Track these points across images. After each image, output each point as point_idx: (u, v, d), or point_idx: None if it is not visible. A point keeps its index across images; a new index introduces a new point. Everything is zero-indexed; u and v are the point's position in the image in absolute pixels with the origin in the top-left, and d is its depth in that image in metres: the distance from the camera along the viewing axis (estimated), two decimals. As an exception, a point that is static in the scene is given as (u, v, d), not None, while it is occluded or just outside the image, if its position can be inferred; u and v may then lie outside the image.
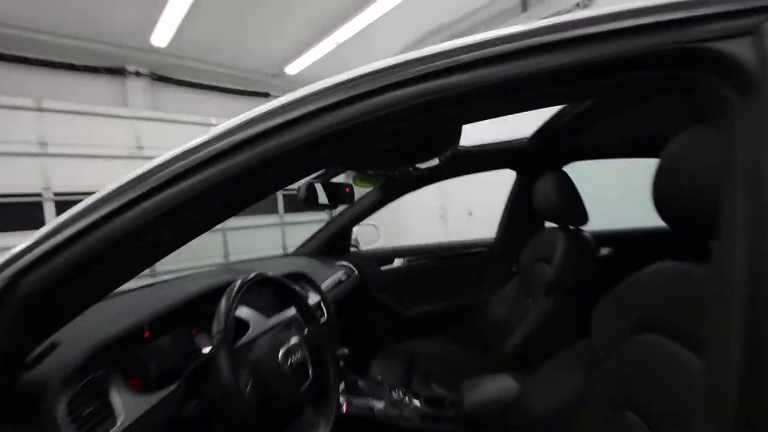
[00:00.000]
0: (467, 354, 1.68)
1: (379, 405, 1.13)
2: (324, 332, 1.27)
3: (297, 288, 0.96)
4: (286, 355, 0.77)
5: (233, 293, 0.74)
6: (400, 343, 1.73)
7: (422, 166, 1.24)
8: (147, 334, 0.81)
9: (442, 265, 1.99)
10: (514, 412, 0.95)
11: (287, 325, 1.00)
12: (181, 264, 3.84)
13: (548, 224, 1.58)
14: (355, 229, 1.98)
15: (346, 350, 1.18)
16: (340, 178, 1.41)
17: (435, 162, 1.23)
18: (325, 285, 1.54)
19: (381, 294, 1.94)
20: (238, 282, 0.78)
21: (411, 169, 1.29)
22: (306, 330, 0.96)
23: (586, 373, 0.81)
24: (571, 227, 1.40)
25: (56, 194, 4.01)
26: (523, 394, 0.93)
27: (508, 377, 1.12)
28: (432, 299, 1.98)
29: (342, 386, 1.21)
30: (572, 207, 1.34)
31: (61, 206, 4.10)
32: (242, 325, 0.99)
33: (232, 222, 4.76)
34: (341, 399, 1.16)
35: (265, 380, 0.71)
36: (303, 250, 1.89)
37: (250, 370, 0.71)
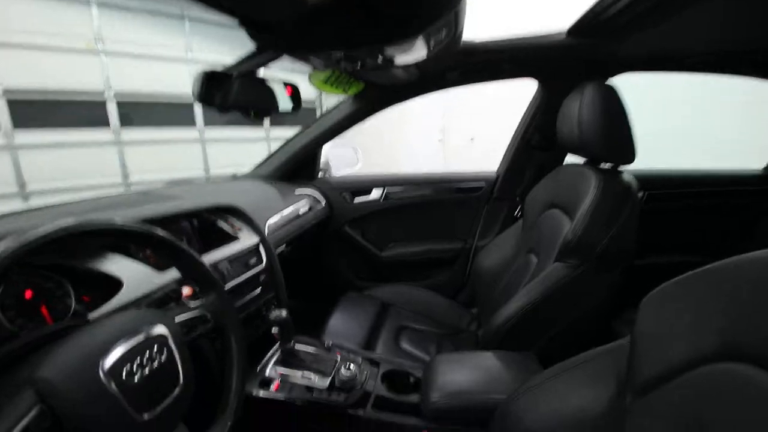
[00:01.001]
0: (450, 309, 1.42)
1: (321, 383, 0.87)
2: (255, 293, 0.97)
3: (179, 244, 0.60)
4: (127, 359, 0.45)
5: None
6: (371, 290, 1.46)
7: (403, 58, 0.81)
8: None
9: (428, 200, 1.64)
10: (501, 421, 0.67)
11: (162, 301, 0.67)
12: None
13: (571, 159, 1.20)
14: (326, 150, 1.59)
15: (283, 313, 0.89)
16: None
17: (422, 54, 0.80)
18: (278, 218, 1.20)
19: (352, 230, 1.62)
20: (33, 234, 0.42)
21: (388, 64, 0.86)
22: (200, 301, 0.63)
23: (614, 401, 0.51)
24: (606, 166, 1.02)
25: (118, 94, 4.03)
26: (512, 403, 0.65)
27: (493, 369, 0.84)
28: (413, 240, 1.67)
29: (277, 356, 0.93)
30: (617, 137, 0.94)
31: (123, 107, 4.07)
32: (111, 286, 0.66)
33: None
34: (275, 373, 0.89)
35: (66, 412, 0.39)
36: (258, 172, 1.52)
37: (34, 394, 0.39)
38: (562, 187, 1.11)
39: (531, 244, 1.17)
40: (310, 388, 0.86)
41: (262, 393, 0.84)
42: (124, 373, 0.44)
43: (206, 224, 0.99)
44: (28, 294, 0.61)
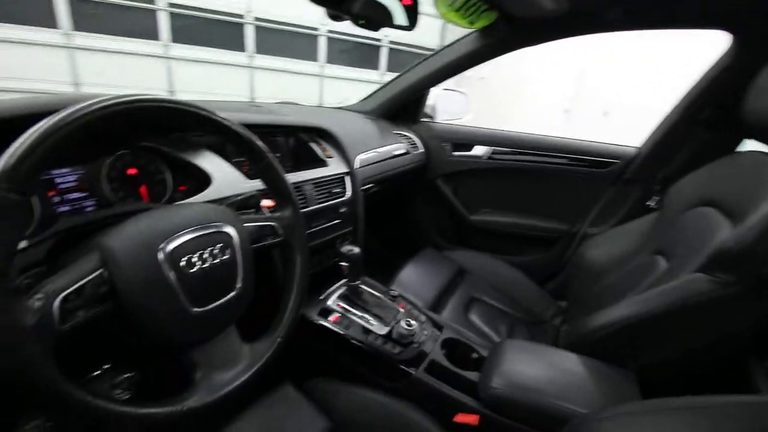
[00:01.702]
0: (533, 294, 1.26)
1: (379, 330, 0.83)
2: (333, 223, 0.93)
3: (259, 143, 0.56)
4: (189, 249, 0.44)
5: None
6: (450, 252, 1.36)
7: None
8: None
9: (539, 168, 1.41)
10: None
11: (241, 205, 0.66)
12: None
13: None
14: (435, 92, 1.45)
15: (355, 249, 0.85)
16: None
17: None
18: (371, 155, 1.15)
19: (445, 185, 1.50)
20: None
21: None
22: (274, 213, 0.61)
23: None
24: None
25: (257, 18, 4.34)
26: (596, 423, 0.52)
27: (575, 375, 0.70)
28: (510, 210, 1.49)
29: (341, 291, 0.91)
30: None
31: (260, 31, 4.37)
32: (202, 182, 0.67)
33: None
34: (335, 306, 0.88)
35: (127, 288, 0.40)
36: (361, 106, 1.46)
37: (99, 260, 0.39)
38: (729, 180, 0.83)
39: (661, 245, 0.93)
40: (367, 331, 0.83)
41: (319, 320, 0.84)
42: (183, 261, 0.43)
43: (299, 144, 0.98)
44: (133, 172, 0.66)
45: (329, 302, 0.88)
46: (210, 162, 0.71)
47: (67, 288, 0.36)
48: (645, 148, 1.30)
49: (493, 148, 1.42)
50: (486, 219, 1.49)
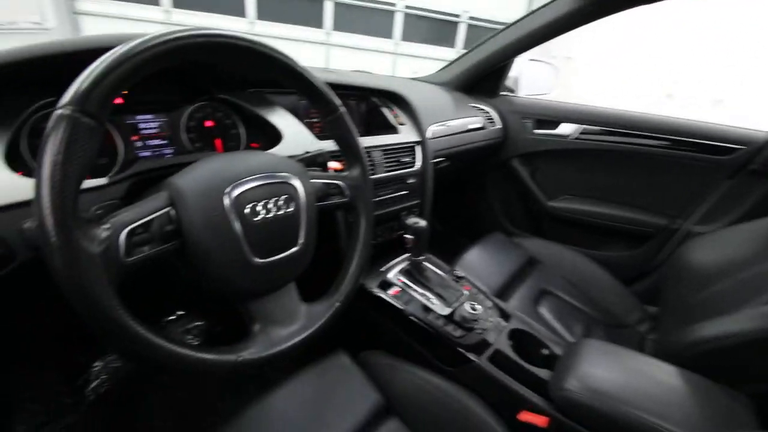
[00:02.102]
0: (617, 295, 1.11)
1: (440, 310, 0.78)
2: (400, 194, 0.88)
3: (334, 99, 0.52)
4: (254, 196, 0.42)
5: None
6: (523, 238, 1.25)
7: None
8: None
9: (639, 151, 1.22)
10: None
11: (309, 163, 0.63)
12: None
13: None
14: (518, 64, 1.31)
15: (422, 222, 0.80)
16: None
17: None
18: (443, 127, 1.07)
19: (521, 166, 1.37)
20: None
21: None
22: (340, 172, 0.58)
23: None
24: None
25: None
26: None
27: (672, 390, 0.59)
28: (597, 199, 1.33)
29: (403, 266, 0.87)
30: None
31: (338, 7, 4.46)
32: (274, 139, 0.67)
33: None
34: (396, 280, 0.84)
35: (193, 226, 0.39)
36: (436, 77, 1.38)
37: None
38: None
39: None
40: (427, 309, 0.78)
41: (378, 292, 0.81)
42: (247, 209, 0.42)
43: (371, 109, 0.94)
44: (210, 124, 0.66)
45: (390, 275, 0.85)
46: (282, 119, 0.70)
47: (135, 222, 0.35)
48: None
49: (582, 126, 1.26)
50: (566, 206, 1.35)
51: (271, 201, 0.44)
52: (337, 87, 0.81)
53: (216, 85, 0.66)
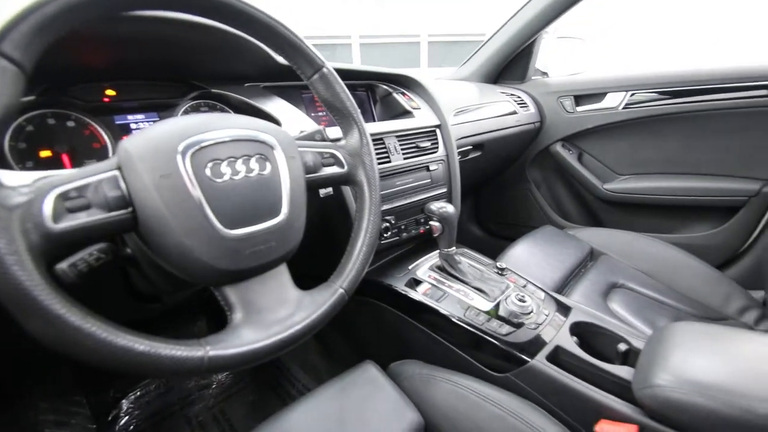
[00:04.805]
0: (709, 282, 0.90)
1: (480, 306, 0.65)
2: (423, 182, 0.78)
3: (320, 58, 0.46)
4: (214, 153, 0.35)
5: None
6: (577, 229, 1.08)
7: None
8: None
9: (704, 108, 1.03)
10: None
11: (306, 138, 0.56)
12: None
13: None
14: (548, 40, 1.21)
15: (449, 208, 0.69)
16: None
17: None
18: (466, 112, 0.99)
19: (565, 150, 1.22)
20: None
21: None
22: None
23: None
24: None
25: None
26: None
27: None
28: (661, 173, 1.13)
29: (434, 262, 0.76)
30: None
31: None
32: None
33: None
34: (427, 276, 0.73)
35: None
36: (452, 75, 1.30)
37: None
38: None
39: None
40: (464, 305, 0.66)
41: (406, 291, 0.70)
42: (207, 168, 0.35)
43: (382, 97, 0.88)
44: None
45: (419, 272, 0.74)
46: (278, 106, 0.66)
47: (66, 183, 0.30)
48: None
49: (631, 92, 1.10)
50: (625, 187, 1.16)
51: (239, 160, 0.37)
52: (342, 74, 0.77)
53: (211, 80, 0.64)
